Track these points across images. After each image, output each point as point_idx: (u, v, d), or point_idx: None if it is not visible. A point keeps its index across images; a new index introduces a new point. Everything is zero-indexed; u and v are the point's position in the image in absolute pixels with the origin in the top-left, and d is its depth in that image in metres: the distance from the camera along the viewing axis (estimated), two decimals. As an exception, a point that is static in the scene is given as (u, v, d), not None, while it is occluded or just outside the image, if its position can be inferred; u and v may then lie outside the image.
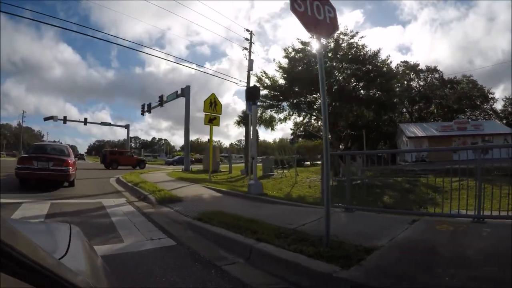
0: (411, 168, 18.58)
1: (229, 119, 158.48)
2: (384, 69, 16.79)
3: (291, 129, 46.52)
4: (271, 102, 16.77)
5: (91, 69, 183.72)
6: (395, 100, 17.40)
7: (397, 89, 19.19)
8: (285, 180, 14.98)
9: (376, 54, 16.33)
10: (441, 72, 45.62)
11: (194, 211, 5.30)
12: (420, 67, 43.84)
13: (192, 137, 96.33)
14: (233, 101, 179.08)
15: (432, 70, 45.51)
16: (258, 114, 19.55)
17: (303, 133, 49.97)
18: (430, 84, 44.45)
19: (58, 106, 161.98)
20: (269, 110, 17.29)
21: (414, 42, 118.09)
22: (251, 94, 8.70)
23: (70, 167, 8.47)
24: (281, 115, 17.63)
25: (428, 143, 30.99)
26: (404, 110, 43.56)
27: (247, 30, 22.52)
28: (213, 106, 10.90)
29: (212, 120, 10.88)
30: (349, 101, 15.94)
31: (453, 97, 43.70)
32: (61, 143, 24.01)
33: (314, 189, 13.28)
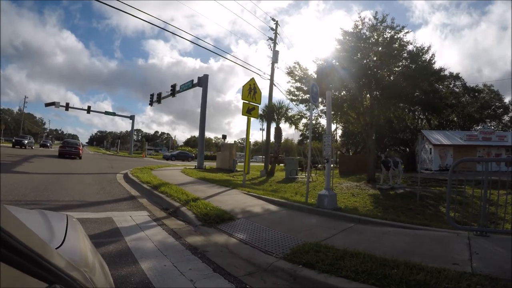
0: (444, 178, 16.81)
1: (231, 116, 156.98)
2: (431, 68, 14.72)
3: (300, 130, 44.86)
4: (304, 97, 14.64)
5: (94, 58, 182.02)
6: (449, 102, 15.42)
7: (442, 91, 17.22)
8: (318, 186, 12.99)
9: (426, 51, 14.22)
10: (463, 79, 43.76)
11: (270, 241, 3.48)
12: (443, 73, 41.79)
13: (195, 133, 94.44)
14: (236, 99, 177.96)
15: (454, 77, 43.55)
16: (281, 110, 17.59)
17: (312, 134, 47.74)
18: (451, 91, 42.43)
19: (60, 94, 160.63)
20: (302, 105, 15.15)
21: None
22: (325, 75, 6.34)
23: (80, 150, 19.58)
24: (314, 112, 15.50)
25: (453, 152, 29.63)
26: (423, 116, 41.63)
27: (273, 20, 20.61)
28: (252, 94, 8.72)
29: (251, 111, 8.69)
30: (395, 100, 13.83)
31: (475, 106, 41.94)
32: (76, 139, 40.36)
33: (361, 198, 11.56)
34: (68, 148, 19.25)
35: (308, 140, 47.54)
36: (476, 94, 44.02)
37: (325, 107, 15.77)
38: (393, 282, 2.43)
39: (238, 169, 18.26)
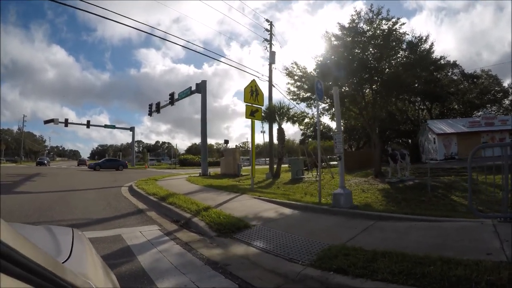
0: (451, 167, 16.64)
1: (230, 121, 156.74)
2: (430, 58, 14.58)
3: (301, 129, 44.90)
4: (305, 95, 14.45)
5: (86, 71, 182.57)
6: (450, 90, 15.38)
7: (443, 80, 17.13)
8: (326, 184, 12.75)
9: (425, 40, 14.10)
10: (461, 66, 43.60)
11: (292, 247, 3.31)
12: (444, 61, 41.77)
13: (194, 140, 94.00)
14: (233, 103, 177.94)
15: (451, 64, 43.36)
16: (282, 110, 17.40)
17: (313, 134, 47.89)
18: (450, 80, 42.26)
19: (55, 110, 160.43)
20: (304, 104, 14.98)
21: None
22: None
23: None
24: (315, 110, 15.34)
25: (457, 140, 29.45)
26: (423, 106, 41.44)
27: (267, 21, 20.46)
28: (254, 96, 8.51)
29: (254, 113, 8.48)
30: (398, 92, 13.66)
31: (474, 92, 41.79)
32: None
33: (372, 194, 11.37)
34: (82, 161, 45.80)
35: (310, 139, 47.12)
36: (475, 80, 43.87)
37: (326, 105, 15.62)
38: (434, 280, 2.28)
39: (243, 173, 18.05)
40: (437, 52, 15.46)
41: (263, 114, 16.51)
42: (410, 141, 37.78)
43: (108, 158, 35.26)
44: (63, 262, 0.79)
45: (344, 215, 5.06)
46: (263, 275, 2.65)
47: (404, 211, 5.62)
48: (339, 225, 4.54)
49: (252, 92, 8.45)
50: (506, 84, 43.47)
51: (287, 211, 5.46)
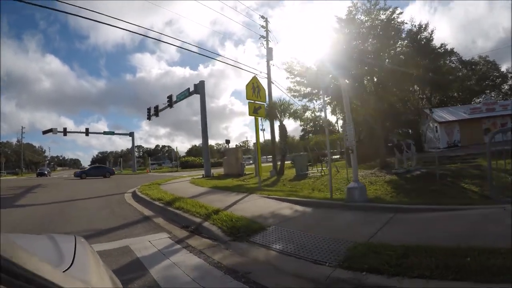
0: (455, 154, 16.52)
1: (228, 121, 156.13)
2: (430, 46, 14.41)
3: (300, 125, 44.63)
4: (306, 90, 14.23)
5: (81, 80, 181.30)
6: (450, 77, 15.19)
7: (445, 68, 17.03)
8: (331, 179, 12.52)
9: (425, 28, 13.92)
10: (458, 54, 43.40)
11: (313, 248, 3.11)
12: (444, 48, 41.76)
13: (194, 142, 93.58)
14: (230, 102, 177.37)
15: (449, 52, 43.10)
16: (283, 106, 17.18)
17: (313, 129, 47.63)
18: (448, 68, 42.09)
19: (53, 120, 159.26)
20: (305, 100, 14.76)
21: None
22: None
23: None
24: (317, 104, 15.11)
25: (459, 127, 29.43)
26: (423, 96, 41.25)
27: (262, 17, 20.17)
28: (256, 92, 8.26)
29: (257, 110, 8.24)
30: (399, 81, 13.43)
31: (473, 79, 41.67)
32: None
33: (380, 186, 11.10)
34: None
35: (311, 134, 46.77)
36: (473, 67, 43.79)
37: (327, 99, 15.38)
38: (474, 272, 2.14)
39: (246, 173, 17.83)
40: (434, 41, 15.30)
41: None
42: (410, 131, 37.66)
43: (94, 165, 34.50)
44: (65, 270, 0.79)
45: (361, 210, 4.86)
46: (289, 281, 2.43)
47: (420, 202, 5.44)
48: (357, 220, 4.33)
49: (254, 89, 8.20)
50: (504, 69, 43.37)
51: (300, 209, 5.24)
